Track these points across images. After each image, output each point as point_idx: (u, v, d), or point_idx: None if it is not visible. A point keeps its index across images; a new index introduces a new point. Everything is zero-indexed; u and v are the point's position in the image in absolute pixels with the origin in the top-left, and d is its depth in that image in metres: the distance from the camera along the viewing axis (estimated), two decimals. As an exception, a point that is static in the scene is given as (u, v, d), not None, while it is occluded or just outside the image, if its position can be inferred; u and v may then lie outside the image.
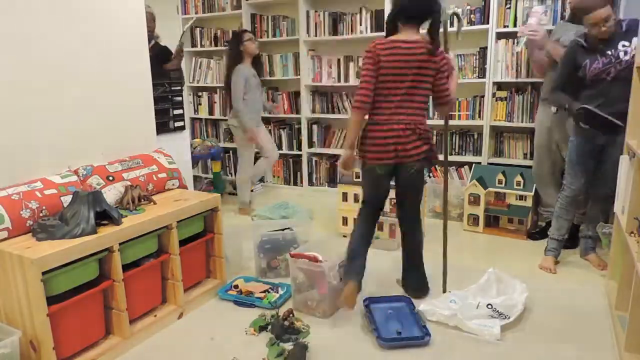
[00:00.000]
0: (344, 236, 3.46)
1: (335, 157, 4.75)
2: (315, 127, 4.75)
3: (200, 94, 5.30)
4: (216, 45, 5.12)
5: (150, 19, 3.49)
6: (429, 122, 4.15)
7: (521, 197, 3.48)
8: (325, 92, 4.69)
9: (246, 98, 3.85)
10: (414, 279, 2.57)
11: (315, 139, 4.77)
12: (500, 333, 2.15)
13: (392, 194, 2.55)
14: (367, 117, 2.36)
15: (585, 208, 3.02)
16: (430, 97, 2.38)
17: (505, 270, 2.61)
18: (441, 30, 2.35)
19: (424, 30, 2.30)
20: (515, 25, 3.68)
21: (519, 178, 3.48)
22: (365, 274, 2.83)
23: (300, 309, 2.41)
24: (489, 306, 2.26)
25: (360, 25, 4.29)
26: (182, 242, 2.40)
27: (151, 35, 3.52)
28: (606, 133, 2.61)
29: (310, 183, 4.84)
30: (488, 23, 3.72)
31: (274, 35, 4.74)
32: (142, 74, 2.72)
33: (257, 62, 4.06)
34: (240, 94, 3.81)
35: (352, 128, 2.32)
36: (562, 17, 3.48)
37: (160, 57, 3.52)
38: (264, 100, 4.27)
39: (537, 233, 3.39)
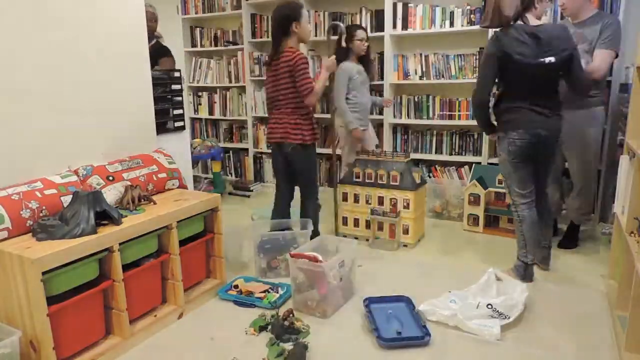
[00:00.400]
0: (344, 236, 3.46)
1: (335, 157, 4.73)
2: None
3: (200, 94, 5.31)
4: (216, 45, 5.13)
5: (151, 19, 3.50)
6: (428, 122, 4.16)
7: (521, 197, 3.48)
8: (325, 92, 4.68)
9: (349, 97, 3.63)
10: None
11: (315, 139, 4.76)
12: (500, 333, 2.15)
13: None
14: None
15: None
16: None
17: (505, 270, 2.62)
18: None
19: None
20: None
21: (519, 178, 3.48)
22: (366, 274, 2.84)
23: (300, 309, 2.41)
24: (489, 306, 2.26)
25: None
26: (182, 242, 2.40)
27: (151, 35, 3.52)
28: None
29: (310, 183, 4.84)
30: (488, 23, 3.72)
31: (274, 35, 4.73)
32: (142, 73, 2.72)
33: (366, 60, 3.78)
34: (342, 92, 3.60)
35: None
36: (562, 18, 3.48)
37: (157, 55, 3.52)
38: (373, 97, 3.95)
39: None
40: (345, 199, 3.48)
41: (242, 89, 5.05)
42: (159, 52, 3.60)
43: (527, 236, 2.60)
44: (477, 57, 3.88)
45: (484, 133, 2.88)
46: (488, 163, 3.88)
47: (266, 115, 4.92)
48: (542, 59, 2.42)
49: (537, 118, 2.49)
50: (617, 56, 2.90)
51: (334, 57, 3.02)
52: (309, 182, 3.02)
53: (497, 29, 2.53)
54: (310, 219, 2.98)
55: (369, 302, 2.39)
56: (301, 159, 2.95)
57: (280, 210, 3.12)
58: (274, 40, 2.87)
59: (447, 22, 3.91)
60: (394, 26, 4.11)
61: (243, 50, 4.87)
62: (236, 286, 2.64)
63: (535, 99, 2.49)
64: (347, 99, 3.60)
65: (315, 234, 3.04)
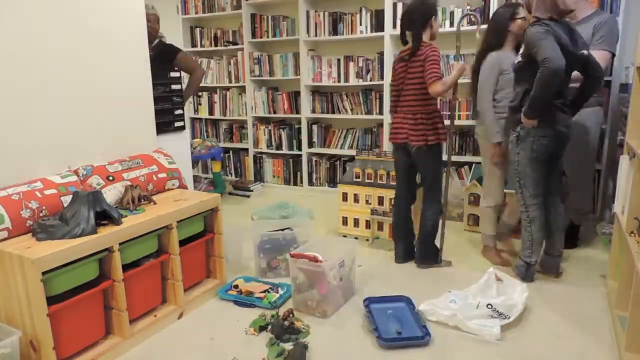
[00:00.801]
0: (344, 236, 3.46)
1: (335, 157, 4.75)
2: (315, 127, 4.75)
3: (200, 94, 5.31)
4: (216, 45, 5.13)
5: (155, 21, 3.50)
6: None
7: (521, 197, 3.48)
8: (325, 92, 4.70)
9: (496, 97, 2.83)
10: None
11: (315, 139, 4.77)
12: (500, 333, 2.15)
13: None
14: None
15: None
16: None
17: (506, 271, 2.62)
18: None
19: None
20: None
21: (519, 178, 3.47)
22: (366, 274, 2.84)
23: (300, 309, 2.41)
24: (489, 306, 2.26)
25: (360, 25, 4.29)
26: (182, 242, 2.40)
27: (155, 35, 3.53)
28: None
29: (310, 183, 4.84)
30: (488, 23, 3.72)
31: (274, 35, 4.74)
32: (143, 73, 2.72)
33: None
34: (488, 91, 2.82)
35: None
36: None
37: (165, 56, 3.53)
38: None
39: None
40: (345, 199, 3.48)
41: (242, 89, 5.06)
42: (169, 51, 3.60)
43: (535, 237, 2.59)
44: (477, 57, 3.87)
45: (524, 116, 2.44)
46: (488, 163, 3.87)
47: (266, 115, 4.95)
48: (582, 51, 2.40)
49: (561, 116, 2.48)
50: (613, 56, 2.88)
51: (466, 64, 2.75)
52: (433, 185, 2.85)
53: (541, 21, 2.39)
54: (429, 226, 2.87)
55: (369, 302, 2.39)
56: (424, 160, 2.81)
57: (402, 212, 2.97)
58: (415, 36, 2.73)
59: (447, 22, 3.91)
60: (394, 26, 4.11)
61: (243, 50, 4.88)
62: (236, 286, 2.63)
63: (560, 97, 2.46)
64: (493, 99, 2.84)
65: (429, 250, 2.90)
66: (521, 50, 2.49)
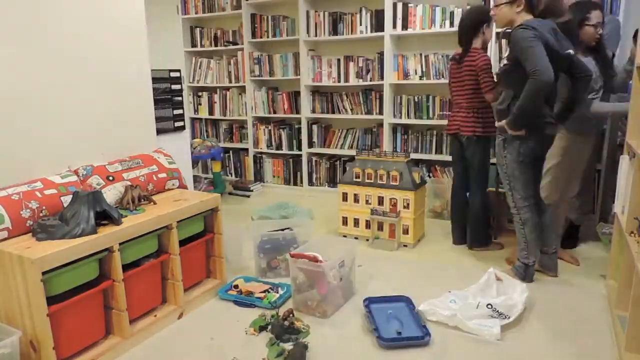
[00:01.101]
0: (344, 236, 3.46)
1: (335, 157, 4.75)
2: (315, 127, 4.75)
3: (200, 94, 5.31)
4: (216, 45, 5.13)
5: None
6: (428, 122, 4.15)
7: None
8: (325, 92, 4.70)
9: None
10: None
11: (315, 139, 4.77)
12: (500, 333, 2.15)
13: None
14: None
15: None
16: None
17: (505, 271, 2.62)
18: None
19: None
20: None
21: (519, 178, 3.47)
22: (366, 274, 2.84)
23: (300, 309, 2.41)
24: (489, 306, 2.26)
25: (360, 25, 4.29)
26: (182, 242, 2.40)
27: None
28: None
29: (310, 183, 4.84)
30: (488, 23, 3.72)
31: (274, 35, 4.74)
32: (142, 74, 2.72)
33: (600, 54, 2.71)
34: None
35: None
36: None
37: None
38: (607, 104, 2.79)
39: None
40: (345, 199, 3.48)
41: (242, 89, 5.05)
42: None
43: (529, 238, 2.60)
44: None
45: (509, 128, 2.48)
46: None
47: (266, 115, 4.97)
48: (567, 51, 2.41)
49: (547, 120, 2.49)
50: (613, 56, 2.88)
51: None
52: (478, 175, 3.12)
53: (524, 23, 2.37)
54: (475, 213, 3.11)
55: (369, 302, 2.39)
56: (472, 151, 3.08)
57: (459, 196, 3.26)
58: (466, 41, 3.01)
59: (447, 22, 3.91)
60: (394, 26, 4.11)
61: (243, 50, 4.88)
62: (236, 286, 2.63)
63: (547, 99, 2.46)
64: None
65: (477, 233, 3.15)
66: (507, 53, 2.49)
